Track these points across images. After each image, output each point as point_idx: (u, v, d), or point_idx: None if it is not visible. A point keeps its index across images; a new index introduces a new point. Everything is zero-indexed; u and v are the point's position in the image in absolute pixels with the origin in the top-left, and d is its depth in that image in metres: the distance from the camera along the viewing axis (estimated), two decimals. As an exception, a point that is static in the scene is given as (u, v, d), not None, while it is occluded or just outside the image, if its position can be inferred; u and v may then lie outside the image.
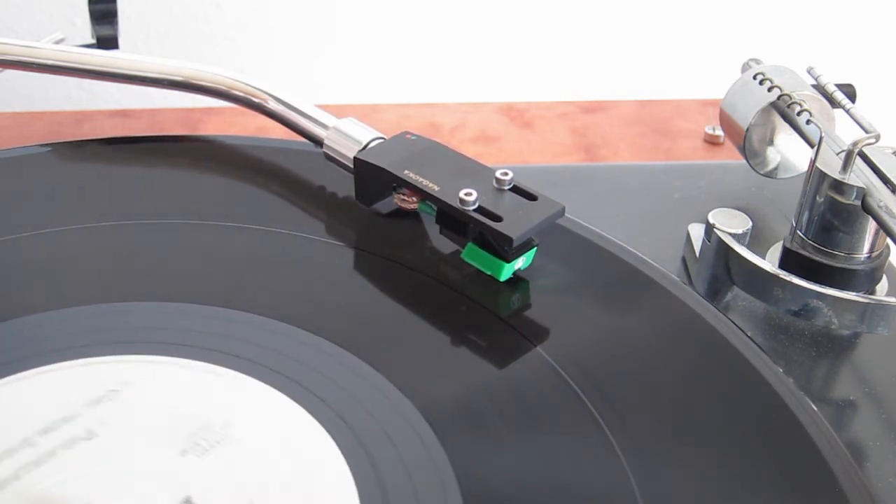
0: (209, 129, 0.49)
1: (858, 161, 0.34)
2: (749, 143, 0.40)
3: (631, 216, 0.41)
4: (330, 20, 0.68)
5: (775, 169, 0.41)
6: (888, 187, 0.33)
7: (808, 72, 0.39)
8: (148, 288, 0.32)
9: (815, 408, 0.29)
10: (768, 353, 0.31)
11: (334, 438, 0.27)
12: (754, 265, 0.35)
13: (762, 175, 0.41)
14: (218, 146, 0.40)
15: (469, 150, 0.46)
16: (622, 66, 0.71)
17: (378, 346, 0.30)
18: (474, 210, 0.32)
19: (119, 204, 0.36)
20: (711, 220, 0.36)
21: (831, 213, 0.35)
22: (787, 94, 0.38)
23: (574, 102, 0.53)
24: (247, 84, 0.39)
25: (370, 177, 0.35)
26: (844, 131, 0.37)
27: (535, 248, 0.33)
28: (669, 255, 0.39)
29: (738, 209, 0.36)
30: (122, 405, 0.27)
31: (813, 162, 0.35)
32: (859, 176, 0.34)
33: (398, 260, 0.34)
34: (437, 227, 0.35)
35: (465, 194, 0.32)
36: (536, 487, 0.26)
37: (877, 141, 0.34)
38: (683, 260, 0.38)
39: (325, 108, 0.39)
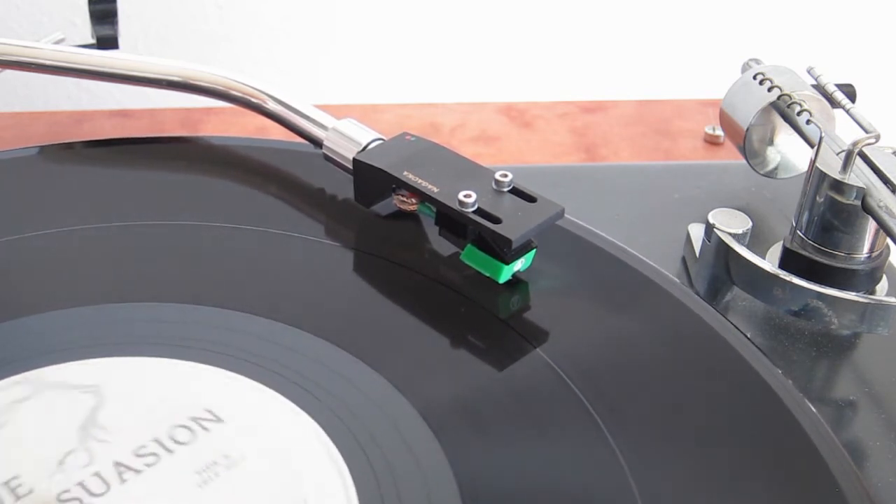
0: (209, 130, 0.49)
1: (858, 161, 0.34)
2: (749, 143, 0.40)
3: (631, 216, 0.41)
4: (330, 20, 0.68)
5: (775, 169, 0.41)
6: (888, 187, 0.33)
7: (808, 72, 0.39)
8: (148, 288, 0.32)
9: (813, 409, 0.29)
10: (768, 354, 0.31)
11: (333, 439, 0.27)
12: (754, 265, 0.35)
13: (762, 175, 0.41)
14: (217, 147, 0.40)
15: (469, 151, 0.46)
16: (622, 66, 0.71)
17: (378, 347, 0.30)
18: (473, 212, 0.32)
19: (119, 204, 0.36)
20: (711, 220, 0.36)
21: (831, 213, 0.35)
22: (787, 94, 0.38)
23: (574, 102, 0.53)
24: (245, 84, 0.39)
25: (369, 178, 0.35)
26: (844, 131, 0.37)
27: (534, 250, 0.33)
28: (669, 255, 0.38)
29: (738, 209, 0.36)
30: (122, 404, 0.27)
31: (813, 162, 0.35)
32: (859, 176, 0.34)
33: (398, 261, 0.34)
34: (436, 229, 0.34)
35: (465, 196, 0.32)
36: (535, 488, 0.26)
37: (877, 141, 0.34)
38: (683, 260, 0.38)
39: (324, 108, 0.39)
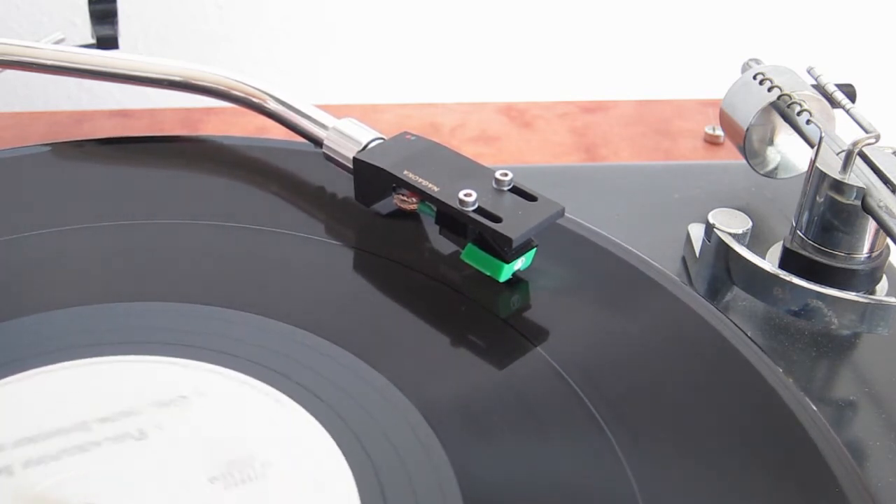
0: (209, 129, 0.49)
1: (858, 161, 0.34)
2: (749, 143, 0.40)
3: (631, 216, 0.41)
4: (330, 20, 0.68)
5: (775, 169, 0.41)
6: (888, 187, 0.33)
7: (808, 72, 0.39)
8: (148, 288, 0.32)
9: (815, 408, 0.29)
10: (768, 354, 0.31)
11: (334, 438, 0.27)
12: (754, 265, 0.35)
13: (762, 175, 0.41)
14: (218, 146, 0.40)
15: (469, 150, 0.46)
16: (622, 66, 0.71)
17: (378, 346, 0.30)
18: (474, 211, 0.32)
19: (119, 204, 0.36)
20: (711, 220, 0.36)
21: (831, 213, 0.35)
22: (787, 94, 0.38)
23: (574, 102, 0.53)
24: (246, 84, 0.39)
25: (370, 177, 0.35)
26: (844, 131, 0.37)
27: (534, 249, 0.33)
28: (669, 255, 0.38)
29: (738, 209, 0.36)
30: (121, 403, 0.27)
31: (813, 162, 0.35)
32: (859, 176, 0.34)
33: (398, 260, 0.34)
34: (436, 228, 0.34)
35: (465, 195, 0.32)
36: (536, 487, 0.26)
37: (877, 141, 0.34)
38: (683, 260, 0.38)
39: (324, 108, 0.39)
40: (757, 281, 0.35)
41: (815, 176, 0.35)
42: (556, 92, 0.70)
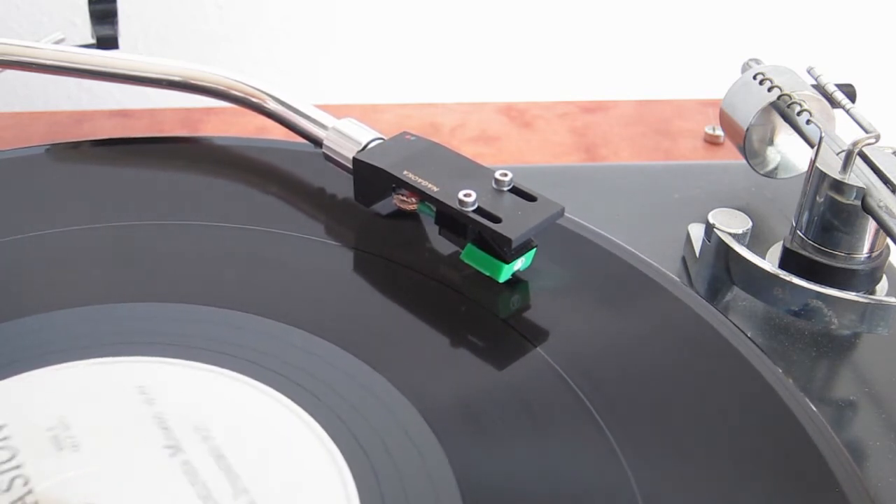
0: (209, 129, 0.49)
1: (858, 161, 0.34)
2: (749, 143, 0.40)
3: (631, 216, 0.41)
4: (330, 20, 0.68)
5: (775, 169, 0.41)
6: (888, 187, 0.33)
7: (808, 72, 0.39)
8: (148, 288, 0.32)
9: (814, 408, 0.29)
10: (768, 354, 0.31)
11: (334, 438, 0.27)
12: (754, 265, 0.35)
13: (762, 175, 0.41)
14: (217, 146, 0.40)
15: (469, 150, 0.46)
16: (622, 66, 0.71)
17: (378, 347, 0.30)
18: (473, 211, 0.32)
19: (119, 204, 0.36)
20: (711, 220, 0.36)
21: (831, 213, 0.35)
22: (787, 94, 0.38)
23: (574, 102, 0.53)
24: (245, 84, 0.39)
25: (369, 177, 0.35)
26: (844, 131, 0.37)
27: (534, 249, 0.33)
28: (669, 255, 0.38)
29: (738, 209, 0.36)
30: (121, 404, 0.27)
31: (813, 162, 0.35)
32: (859, 176, 0.34)
33: (397, 261, 0.34)
34: (436, 228, 0.34)
35: (465, 195, 0.32)
36: (536, 487, 0.26)
37: (877, 141, 0.34)
38: (683, 260, 0.38)
39: (324, 108, 0.39)
40: (757, 281, 0.35)
41: (815, 176, 0.35)
42: (556, 92, 0.70)
